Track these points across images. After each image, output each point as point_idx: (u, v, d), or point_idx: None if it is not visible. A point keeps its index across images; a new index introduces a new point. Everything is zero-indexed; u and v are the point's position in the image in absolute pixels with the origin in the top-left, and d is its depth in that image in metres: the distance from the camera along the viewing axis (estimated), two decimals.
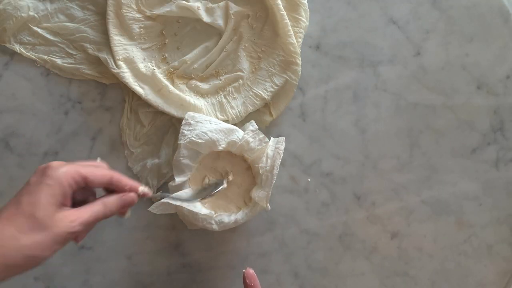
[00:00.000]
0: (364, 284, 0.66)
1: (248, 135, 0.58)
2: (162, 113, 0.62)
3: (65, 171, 0.40)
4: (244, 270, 0.55)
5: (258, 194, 0.58)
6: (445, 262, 0.66)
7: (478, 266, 0.66)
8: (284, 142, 0.58)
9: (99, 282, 0.64)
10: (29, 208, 0.38)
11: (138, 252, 0.64)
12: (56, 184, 0.39)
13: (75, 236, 0.43)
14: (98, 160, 0.49)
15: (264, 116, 0.64)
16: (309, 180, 0.65)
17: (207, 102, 0.63)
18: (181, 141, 0.57)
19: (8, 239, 0.37)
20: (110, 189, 0.47)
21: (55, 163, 0.41)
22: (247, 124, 0.60)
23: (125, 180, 0.47)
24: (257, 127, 0.59)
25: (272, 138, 0.59)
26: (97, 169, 0.45)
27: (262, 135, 0.58)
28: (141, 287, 0.65)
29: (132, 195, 0.47)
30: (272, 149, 0.58)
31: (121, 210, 0.47)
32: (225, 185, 0.59)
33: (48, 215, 0.38)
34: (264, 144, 0.58)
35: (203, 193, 0.57)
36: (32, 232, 0.37)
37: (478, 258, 0.66)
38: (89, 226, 0.43)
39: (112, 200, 0.45)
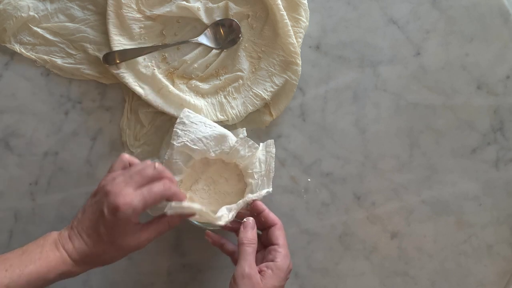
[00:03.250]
0: (364, 284, 0.66)
1: (238, 143, 0.58)
2: (162, 113, 0.62)
3: (132, 212, 0.48)
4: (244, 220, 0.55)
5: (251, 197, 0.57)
6: (445, 262, 0.66)
7: (478, 266, 0.66)
8: (273, 145, 0.59)
9: (99, 282, 0.64)
10: (109, 238, 0.50)
11: (138, 252, 0.64)
12: (127, 223, 0.49)
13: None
14: (157, 164, 0.51)
15: (264, 116, 0.64)
16: (309, 180, 0.65)
17: (207, 102, 0.63)
18: (174, 141, 0.56)
19: (94, 255, 0.51)
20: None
21: (122, 207, 0.48)
22: (239, 130, 0.61)
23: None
24: (246, 135, 0.60)
25: (261, 144, 0.60)
26: (153, 193, 0.50)
27: (251, 142, 0.58)
28: (141, 287, 0.64)
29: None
30: (263, 153, 0.59)
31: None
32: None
33: (123, 241, 0.50)
34: (254, 151, 0.58)
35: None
36: (111, 252, 0.51)
37: (478, 258, 0.66)
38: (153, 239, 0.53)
39: (176, 218, 0.53)
